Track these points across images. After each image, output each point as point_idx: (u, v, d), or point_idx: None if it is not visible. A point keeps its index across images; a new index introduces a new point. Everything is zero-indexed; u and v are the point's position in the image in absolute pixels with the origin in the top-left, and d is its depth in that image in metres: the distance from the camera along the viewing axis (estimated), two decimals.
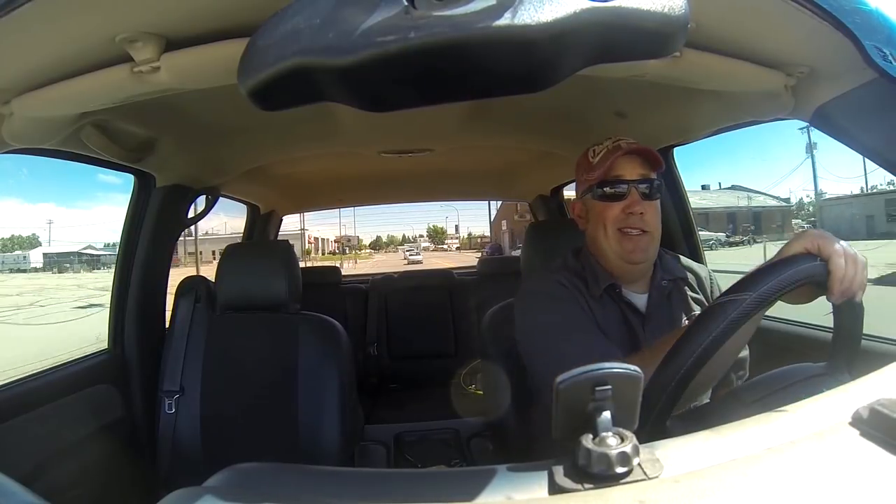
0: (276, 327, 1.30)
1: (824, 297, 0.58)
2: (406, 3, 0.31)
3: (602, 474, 0.33)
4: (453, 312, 2.48)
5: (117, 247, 1.42)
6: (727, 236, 16.74)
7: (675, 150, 1.45)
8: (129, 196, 1.41)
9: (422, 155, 1.82)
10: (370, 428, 1.86)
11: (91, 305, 8.41)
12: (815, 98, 0.85)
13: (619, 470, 0.33)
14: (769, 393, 0.55)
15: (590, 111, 1.35)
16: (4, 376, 1.10)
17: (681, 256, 1.00)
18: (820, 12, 0.64)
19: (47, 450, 1.04)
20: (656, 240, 0.88)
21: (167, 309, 1.44)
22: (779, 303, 0.57)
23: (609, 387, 0.34)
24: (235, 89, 0.38)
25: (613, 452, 0.33)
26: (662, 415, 0.53)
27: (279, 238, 2.91)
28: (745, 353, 0.88)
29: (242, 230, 2.56)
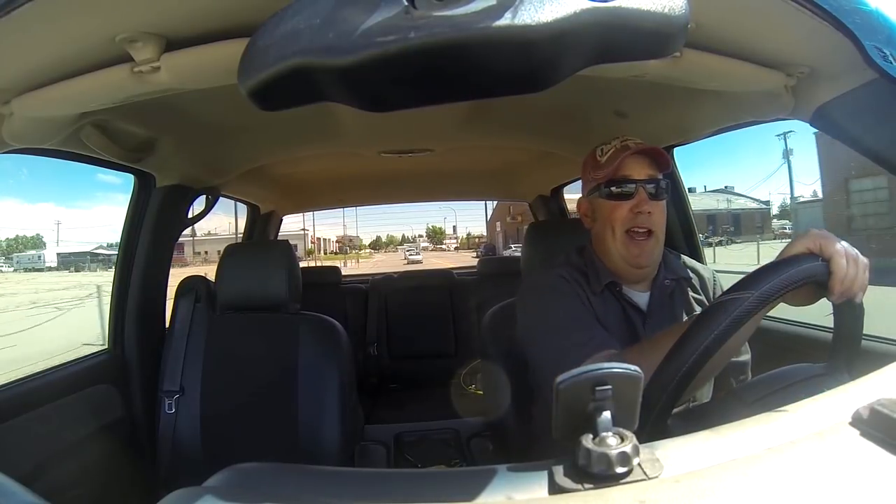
0: (277, 327, 1.30)
1: (824, 297, 0.58)
2: (406, 3, 0.31)
3: (602, 474, 0.33)
4: (453, 312, 2.48)
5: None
6: (705, 237, 17.26)
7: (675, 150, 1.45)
8: (129, 196, 1.41)
9: (422, 155, 1.82)
10: (370, 428, 1.86)
11: None
12: (816, 98, 0.85)
13: (619, 470, 0.33)
14: (769, 393, 0.55)
15: (590, 111, 1.35)
16: None
17: (684, 256, 1.01)
18: (820, 12, 0.64)
19: (47, 450, 1.04)
20: (661, 242, 0.88)
21: (167, 309, 1.44)
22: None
23: (609, 387, 0.34)
24: (235, 89, 0.38)
25: (613, 452, 0.33)
26: (663, 414, 0.53)
27: (281, 238, 2.92)
28: (746, 356, 0.88)
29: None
